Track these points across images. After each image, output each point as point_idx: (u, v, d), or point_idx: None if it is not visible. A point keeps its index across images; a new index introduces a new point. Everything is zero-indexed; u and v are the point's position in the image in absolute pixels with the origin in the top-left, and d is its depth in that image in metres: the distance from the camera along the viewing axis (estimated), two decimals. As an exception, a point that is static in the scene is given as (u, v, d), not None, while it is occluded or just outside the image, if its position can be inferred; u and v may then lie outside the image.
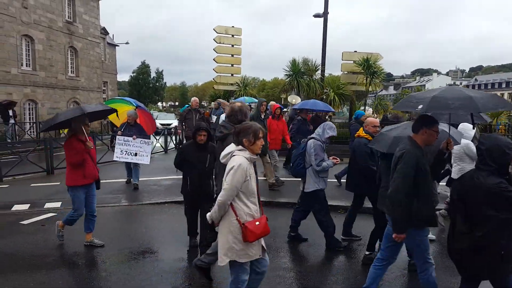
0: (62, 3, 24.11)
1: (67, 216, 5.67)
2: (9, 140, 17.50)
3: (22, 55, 21.36)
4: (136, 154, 8.96)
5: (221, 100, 15.87)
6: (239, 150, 3.45)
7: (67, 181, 5.57)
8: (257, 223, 3.40)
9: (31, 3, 21.42)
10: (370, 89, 18.85)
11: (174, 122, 24.80)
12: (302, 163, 5.70)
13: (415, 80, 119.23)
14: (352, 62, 18.59)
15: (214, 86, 20.27)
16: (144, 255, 5.51)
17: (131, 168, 9.42)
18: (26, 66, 21.85)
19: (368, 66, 17.94)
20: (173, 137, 17.59)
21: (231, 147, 3.53)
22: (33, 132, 21.35)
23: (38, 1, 22.02)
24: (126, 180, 9.81)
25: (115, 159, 9.10)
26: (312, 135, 5.81)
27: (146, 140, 9.17)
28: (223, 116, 12.07)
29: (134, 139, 8.97)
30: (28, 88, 21.72)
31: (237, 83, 19.58)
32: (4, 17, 19.73)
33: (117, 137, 9.08)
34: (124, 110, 9.50)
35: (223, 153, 3.56)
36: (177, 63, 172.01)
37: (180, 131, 12.50)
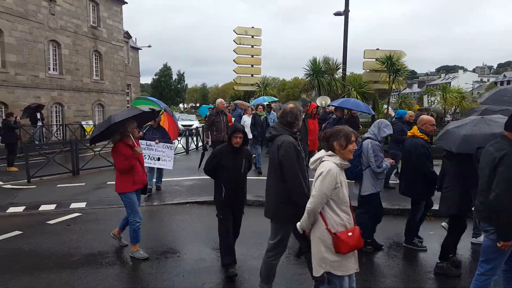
0: (87, 9, 24.72)
1: (130, 230, 5.41)
2: (37, 142, 18.05)
3: (49, 59, 22.01)
4: (159, 159, 8.64)
5: (238, 101, 15.83)
6: (328, 155, 3.31)
7: (116, 187, 5.43)
8: (349, 233, 3.21)
9: (57, 10, 22.04)
10: (393, 87, 18.55)
11: (196, 123, 25.05)
12: (359, 165, 5.41)
13: (440, 77, 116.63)
14: (374, 60, 18.34)
15: (234, 87, 20.38)
16: (166, 255, 5.58)
17: (152, 173, 8.93)
18: (53, 70, 22.50)
19: (391, 64, 17.66)
20: (194, 138, 17.76)
21: (321, 152, 3.40)
22: (60, 134, 21.95)
23: (64, 8, 22.64)
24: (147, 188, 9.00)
25: None
26: (366, 135, 5.55)
27: (168, 145, 8.80)
28: (247, 119, 11.86)
29: (156, 143, 8.57)
30: (55, 91, 22.35)
31: (257, 83, 19.62)
32: (33, 24, 20.37)
33: (140, 141, 8.66)
34: None
35: (312, 159, 3.42)
36: (199, 65, 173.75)
37: (208, 138, 11.35)
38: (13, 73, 19.31)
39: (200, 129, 17.67)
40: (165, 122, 9.19)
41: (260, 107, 11.53)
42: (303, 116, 8.10)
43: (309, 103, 8.58)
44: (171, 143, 9.05)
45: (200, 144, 17.74)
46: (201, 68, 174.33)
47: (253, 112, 12.04)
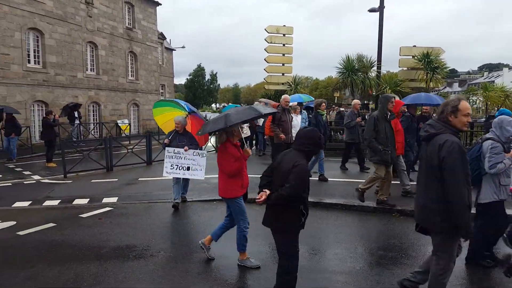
0: (122, 11, 25.40)
1: (240, 236, 5.05)
2: (74, 139, 18.71)
3: (87, 60, 22.76)
4: (188, 168, 7.54)
5: (263, 99, 15.57)
6: None
7: (223, 192, 5.03)
8: None
9: (95, 12, 22.76)
10: (431, 85, 17.94)
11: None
12: (478, 168, 4.75)
13: (483, 76, 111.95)
14: (410, 57, 17.81)
15: (265, 86, 20.33)
16: (192, 251, 5.60)
17: (179, 185, 7.90)
18: (91, 70, 23.25)
19: (428, 61, 17.08)
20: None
21: None
22: (97, 132, 22.66)
23: (101, 10, 23.36)
24: (172, 204, 7.78)
25: (165, 175, 7.57)
26: (487, 135, 4.92)
27: (199, 152, 7.68)
28: (296, 119, 10.04)
29: (186, 150, 7.53)
30: (92, 91, 23.09)
31: (288, 82, 19.47)
32: (72, 26, 21.14)
33: (167, 148, 7.59)
34: (173, 116, 7.94)
35: None
36: (233, 66, 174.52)
37: (282, 136, 9.18)
38: (53, 73, 20.11)
39: None
40: (194, 127, 8.08)
41: (323, 104, 10.23)
42: (388, 116, 7.26)
43: (393, 99, 7.47)
44: (201, 149, 8.01)
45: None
46: (235, 68, 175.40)
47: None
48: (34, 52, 19.39)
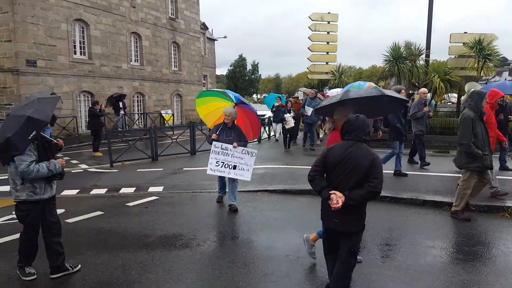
0: (165, 1, 25.70)
1: None
2: (119, 129, 19.19)
3: (131, 51, 23.22)
4: (235, 167, 6.79)
5: (303, 88, 15.07)
6: None
7: None
8: None
9: (138, 2, 23.12)
10: (481, 74, 16.87)
11: (268, 113, 25.03)
12: None
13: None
14: (461, 44, 16.81)
15: (308, 75, 19.93)
16: (237, 241, 5.51)
17: (225, 183, 7.32)
18: (135, 61, 23.71)
19: (480, 49, 16.05)
20: (267, 128, 17.72)
21: None
22: (141, 122, 23.17)
23: (145, 0, 23.69)
24: (216, 198, 7.49)
25: (209, 172, 6.88)
26: None
27: (249, 150, 6.91)
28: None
29: (235, 147, 6.75)
30: (137, 81, 23.57)
31: (331, 71, 18.98)
32: (116, 17, 21.59)
33: (214, 143, 6.83)
34: (219, 107, 7.23)
35: None
36: (276, 56, 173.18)
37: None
38: (98, 64, 20.66)
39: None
40: (241, 120, 7.23)
41: (402, 91, 8.70)
42: (481, 114, 6.10)
43: (486, 95, 6.49)
44: (246, 146, 7.14)
45: (272, 134, 17.71)
46: (278, 59, 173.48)
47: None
48: (80, 43, 19.98)
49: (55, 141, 4.51)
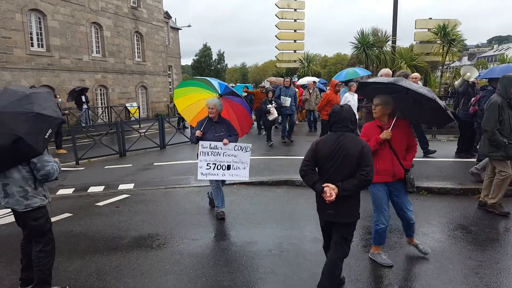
0: (126, -11, 24.68)
1: (374, 230, 4.39)
2: (83, 124, 18.42)
3: (92, 42, 22.23)
4: (229, 167, 5.92)
5: (272, 78, 14.60)
6: None
7: None
8: None
9: (98, -9, 22.11)
10: (446, 59, 17.31)
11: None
12: None
13: (492, 48, 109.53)
14: (426, 30, 17.12)
15: (276, 64, 19.79)
16: (216, 238, 5.32)
17: (219, 190, 6.16)
18: (96, 53, 22.75)
19: (444, 34, 16.42)
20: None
21: None
22: (105, 116, 22.35)
23: (105, -11, 22.68)
24: (209, 201, 6.72)
25: (200, 177, 5.92)
26: None
27: (242, 146, 5.95)
28: (352, 98, 9.36)
29: (225, 144, 5.86)
30: (99, 74, 22.66)
31: (300, 59, 18.90)
32: (75, 6, 20.57)
33: (201, 143, 5.84)
34: (201, 99, 6.28)
35: None
36: (240, 45, 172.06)
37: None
38: (58, 56, 19.66)
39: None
40: (228, 113, 6.34)
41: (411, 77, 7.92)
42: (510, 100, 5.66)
43: None
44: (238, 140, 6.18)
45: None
46: (244, 48, 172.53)
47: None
48: (37, 34, 18.91)
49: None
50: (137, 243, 5.16)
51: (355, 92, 9.28)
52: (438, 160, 8.84)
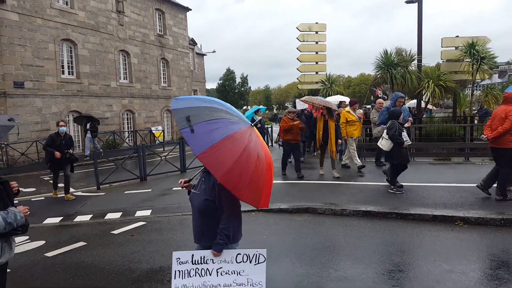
0: (153, 18, 25.39)
1: None
2: (101, 150, 17.28)
3: (119, 69, 22.81)
4: None
5: (304, 98, 12.81)
6: None
7: None
8: None
9: (126, 20, 22.80)
10: (477, 77, 16.62)
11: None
12: None
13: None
14: (453, 48, 16.58)
15: (298, 86, 19.59)
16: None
17: None
18: (124, 79, 23.30)
19: (473, 52, 15.82)
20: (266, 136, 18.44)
21: None
22: (131, 140, 22.62)
23: (132, 18, 23.40)
24: None
25: None
26: None
27: (251, 253, 3.30)
28: None
29: (215, 255, 3.23)
30: (126, 99, 23.13)
31: (322, 81, 18.67)
32: (104, 35, 21.23)
33: (174, 254, 3.34)
34: None
35: None
36: (264, 68, 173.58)
37: None
38: (87, 83, 20.21)
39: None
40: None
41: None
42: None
43: None
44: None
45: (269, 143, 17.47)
46: (268, 71, 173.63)
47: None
48: (68, 63, 19.56)
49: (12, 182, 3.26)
50: (147, 277, 4.94)
51: None
52: (472, 185, 8.25)
